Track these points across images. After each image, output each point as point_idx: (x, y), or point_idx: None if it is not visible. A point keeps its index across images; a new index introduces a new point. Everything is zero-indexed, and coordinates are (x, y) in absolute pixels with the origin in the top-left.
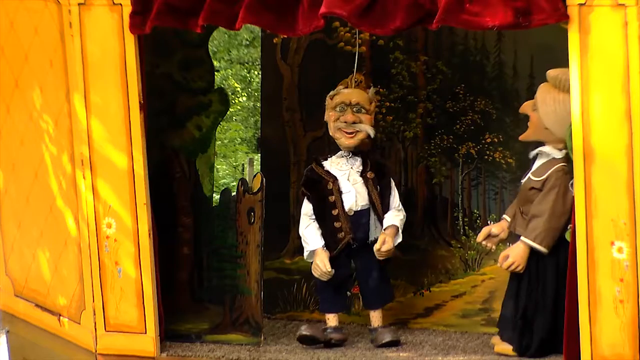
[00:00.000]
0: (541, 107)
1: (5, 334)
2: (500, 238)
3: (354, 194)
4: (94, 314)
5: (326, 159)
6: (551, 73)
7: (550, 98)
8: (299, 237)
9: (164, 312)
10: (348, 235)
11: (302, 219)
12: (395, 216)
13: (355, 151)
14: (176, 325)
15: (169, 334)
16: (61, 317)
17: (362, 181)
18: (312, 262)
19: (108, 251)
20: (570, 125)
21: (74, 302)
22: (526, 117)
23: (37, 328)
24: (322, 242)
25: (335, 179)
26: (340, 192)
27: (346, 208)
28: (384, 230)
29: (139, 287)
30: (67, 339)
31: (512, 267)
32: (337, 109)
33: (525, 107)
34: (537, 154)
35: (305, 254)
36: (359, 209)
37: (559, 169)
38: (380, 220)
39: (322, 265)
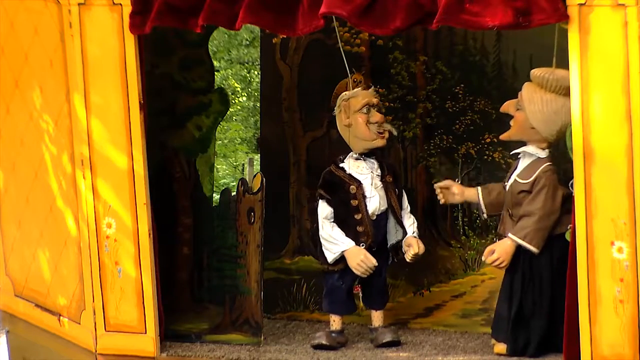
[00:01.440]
0: (528, 106)
1: (5, 334)
2: (455, 199)
3: (377, 198)
4: (94, 314)
5: (343, 162)
6: (536, 72)
7: (537, 97)
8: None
9: (164, 312)
10: (370, 239)
11: (324, 223)
12: (412, 224)
13: (368, 153)
14: (176, 325)
15: (169, 334)
16: (61, 317)
17: (382, 185)
18: (328, 265)
19: (108, 251)
20: (570, 125)
21: (74, 302)
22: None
23: (37, 328)
24: (353, 241)
25: (359, 183)
26: (364, 197)
27: (369, 212)
28: (408, 237)
29: (139, 287)
30: (67, 339)
31: (496, 263)
32: (364, 110)
33: (508, 107)
34: (519, 155)
35: (332, 256)
36: (379, 213)
37: (546, 169)
38: (400, 223)
39: (368, 261)
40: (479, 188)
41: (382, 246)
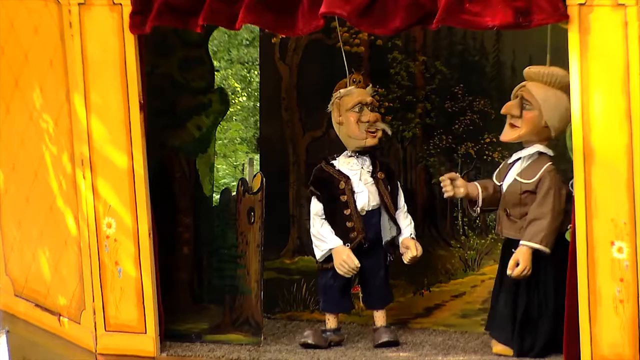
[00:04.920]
0: (544, 104)
1: (5, 334)
2: (460, 192)
3: (366, 193)
4: (94, 314)
5: (334, 159)
6: (541, 70)
7: (551, 95)
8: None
9: (164, 312)
10: (360, 235)
11: (314, 220)
12: (409, 225)
13: (362, 151)
14: (176, 325)
15: (169, 334)
16: (61, 317)
17: (373, 181)
18: (320, 263)
19: (108, 251)
20: (570, 125)
21: (74, 302)
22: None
23: (37, 328)
24: (341, 240)
25: (347, 178)
26: (352, 192)
27: (358, 208)
28: (405, 238)
29: (139, 287)
30: (67, 339)
31: (524, 273)
32: (356, 109)
33: (511, 108)
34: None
35: (320, 253)
36: (370, 209)
37: (549, 169)
38: (394, 220)
39: (350, 261)
40: (477, 183)
41: (377, 245)
